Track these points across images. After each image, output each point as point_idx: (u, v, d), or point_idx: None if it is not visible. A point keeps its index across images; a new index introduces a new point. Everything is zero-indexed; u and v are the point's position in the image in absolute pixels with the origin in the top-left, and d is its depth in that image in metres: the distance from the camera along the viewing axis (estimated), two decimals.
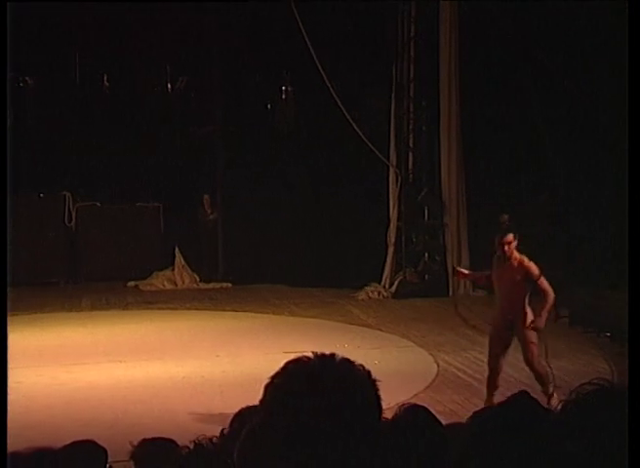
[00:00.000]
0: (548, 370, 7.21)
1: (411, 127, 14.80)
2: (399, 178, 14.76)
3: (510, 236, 6.92)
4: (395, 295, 14.27)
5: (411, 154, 14.88)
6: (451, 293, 13.90)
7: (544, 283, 6.93)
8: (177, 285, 15.57)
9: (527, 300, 7.05)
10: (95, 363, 9.70)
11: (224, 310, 13.47)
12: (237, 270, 15.69)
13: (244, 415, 3.48)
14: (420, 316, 12.59)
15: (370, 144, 14.25)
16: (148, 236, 16.07)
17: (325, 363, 1.52)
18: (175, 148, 16.10)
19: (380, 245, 14.82)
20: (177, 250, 15.75)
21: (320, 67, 13.50)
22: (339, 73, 14.02)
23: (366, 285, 14.53)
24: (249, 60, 15.36)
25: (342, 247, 14.97)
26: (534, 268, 6.95)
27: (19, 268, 15.38)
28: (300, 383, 1.48)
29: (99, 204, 16.06)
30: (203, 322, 12.61)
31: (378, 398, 1.55)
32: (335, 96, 13.68)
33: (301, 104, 16.57)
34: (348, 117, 13.88)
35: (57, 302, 13.87)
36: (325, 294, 14.37)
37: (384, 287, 14.59)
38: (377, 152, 14.45)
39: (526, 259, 7.00)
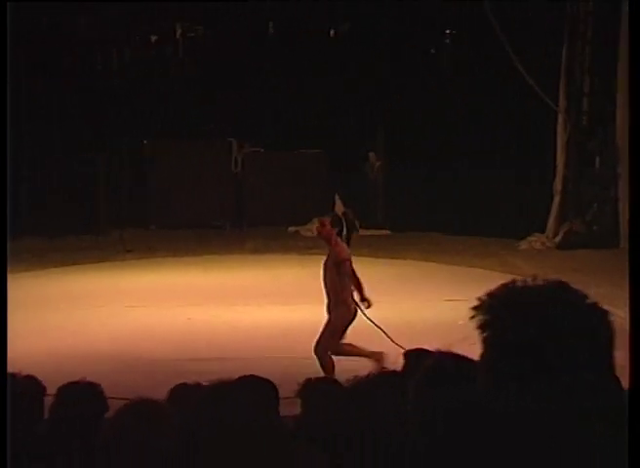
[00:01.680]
0: (332, 363, 6.80)
1: (586, 69, 14.02)
2: (568, 125, 14.15)
3: (326, 219, 6.84)
4: (560, 246, 13.81)
5: (585, 98, 14.17)
6: (622, 245, 13.30)
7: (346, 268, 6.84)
8: None
9: (344, 289, 6.85)
10: (258, 304, 9.99)
11: (382, 257, 13.50)
12: (396, 218, 15.68)
13: (415, 356, 3.47)
14: (583, 267, 12.13)
15: (537, 88, 13.68)
16: (310, 182, 16.31)
17: (555, 288, 1.35)
18: (338, 96, 16.10)
19: (545, 194, 14.35)
20: (337, 196, 15.90)
21: (487, 8, 13.04)
22: (504, 13, 13.49)
23: (529, 235, 14.14)
24: (412, 4, 15.07)
25: (505, 195, 14.60)
26: (340, 254, 6.80)
27: (186, 212, 16.05)
28: (521, 306, 1.32)
29: (263, 150, 16.43)
30: (361, 268, 12.58)
31: (610, 335, 1.36)
32: (500, 37, 13.19)
33: (465, 47, 16.12)
34: (515, 60, 13.37)
35: (222, 245, 14.36)
36: (485, 244, 14.10)
37: (548, 237, 14.15)
38: (544, 97, 13.87)
39: (340, 245, 6.83)
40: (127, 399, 2.89)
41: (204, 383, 3.40)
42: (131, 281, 11.52)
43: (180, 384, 3.65)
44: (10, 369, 3.27)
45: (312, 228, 15.85)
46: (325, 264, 6.88)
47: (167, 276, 12.01)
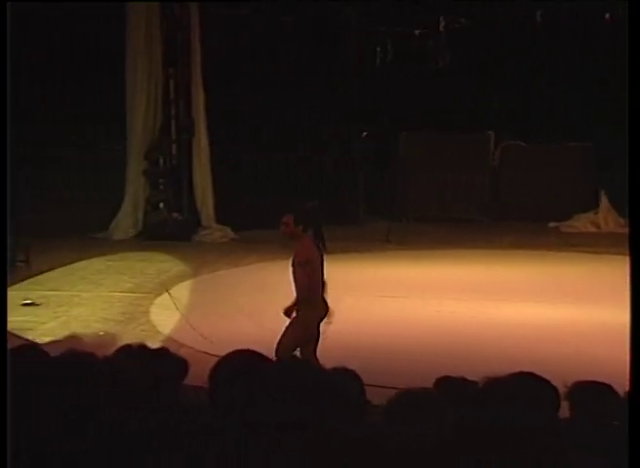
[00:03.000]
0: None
1: None
2: None
3: (289, 217, 6.41)
4: None
5: None
6: None
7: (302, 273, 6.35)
8: (600, 228, 15.11)
9: (305, 291, 6.31)
10: (517, 301, 9.78)
11: None
12: None
13: None
14: None
15: None
16: (573, 176, 15.74)
17: None
18: (614, 86, 15.25)
19: None
20: (602, 192, 15.27)
21: None
22: None
23: None
24: None
25: None
26: (300, 253, 6.37)
27: (441, 205, 16.08)
28: None
29: (523, 143, 16.08)
30: (614, 268, 11.99)
31: None
32: None
33: None
34: None
35: (478, 239, 14.19)
36: None
37: None
38: None
39: (307, 244, 6.35)
40: (385, 387, 2.91)
41: (469, 378, 3.37)
42: (389, 272, 11.74)
43: (444, 377, 3.63)
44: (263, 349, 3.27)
45: (575, 224, 15.29)
46: (292, 262, 6.55)
47: (421, 268, 12.09)
